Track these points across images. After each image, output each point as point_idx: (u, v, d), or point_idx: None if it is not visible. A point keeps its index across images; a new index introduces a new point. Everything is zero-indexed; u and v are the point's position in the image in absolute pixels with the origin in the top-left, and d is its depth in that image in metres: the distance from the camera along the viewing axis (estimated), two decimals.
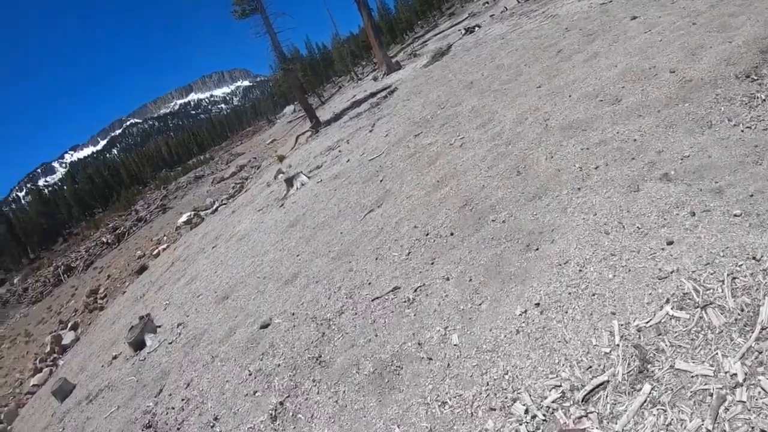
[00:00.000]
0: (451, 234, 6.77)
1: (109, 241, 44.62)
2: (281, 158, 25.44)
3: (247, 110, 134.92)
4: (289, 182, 15.46)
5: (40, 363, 19.75)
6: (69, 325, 23.35)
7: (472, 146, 9.53)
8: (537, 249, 5.36)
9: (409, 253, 6.92)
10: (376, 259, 7.34)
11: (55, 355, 20.05)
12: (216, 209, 27.22)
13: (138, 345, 10.22)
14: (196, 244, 18.77)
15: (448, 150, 10.09)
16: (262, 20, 26.80)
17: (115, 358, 10.93)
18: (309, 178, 15.31)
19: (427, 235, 7.11)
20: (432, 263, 6.37)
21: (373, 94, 25.74)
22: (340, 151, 16.91)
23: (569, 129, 7.76)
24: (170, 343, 9.40)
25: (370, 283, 6.79)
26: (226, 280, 10.97)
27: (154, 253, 26.63)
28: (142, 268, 23.23)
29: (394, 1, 79.23)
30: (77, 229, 71.45)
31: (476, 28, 27.37)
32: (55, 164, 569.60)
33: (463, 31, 28.56)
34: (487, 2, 42.65)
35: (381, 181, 10.70)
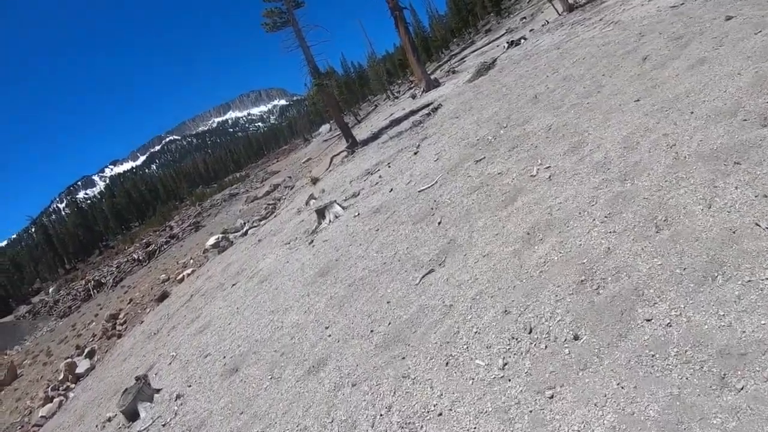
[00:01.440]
0: (575, 338, 4.07)
1: (141, 258, 43.91)
2: (314, 180, 23.10)
3: (284, 129, 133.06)
4: (321, 213, 12.90)
5: (52, 391, 17.97)
6: (85, 351, 21.68)
7: (566, 180, 6.84)
8: (742, 389, 2.99)
9: (505, 364, 4.22)
10: (447, 365, 4.64)
11: (68, 384, 18.17)
12: (246, 232, 25.08)
13: (131, 414, 8.76)
14: (217, 276, 16.71)
15: (530, 184, 7.41)
16: (294, 33, 24.50)
17: (109, 420, 9.57)
18: (344, 209, 12.73)
19: (531, 332, 4.41)
20: (550, 396, 3.67)
21: (413, 112, 23.15)
22: (380, 176, 14.28)
23: (715, 160, 5.23)
24: (164, 425, 7.55)
25: (440, 414, 4.11)
26: (238, 340, 8.86)
27: (179, 278, 24.84)
28: (163, 296, 21.66)
29: (428, 19, 76.78)
30: (113, 242, 70.75)
31: (522, 41, 24.58)
32: (95, 178, 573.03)
33: (507, 45, 25.73)
34: (525, 18, 39.87)
35: (439, 223, 8.02)
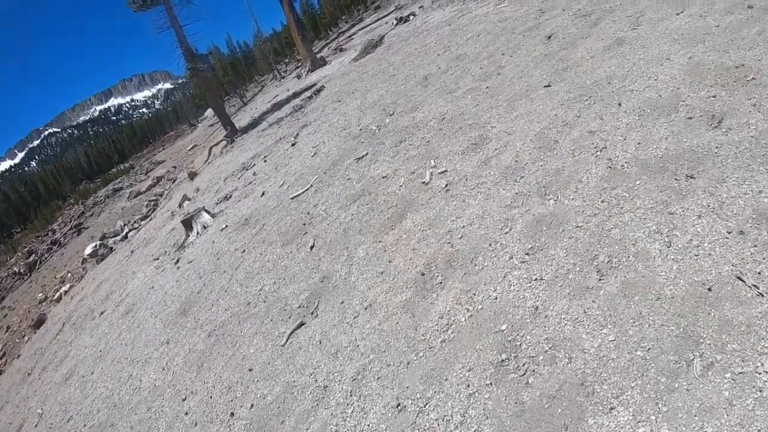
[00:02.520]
0: None
1: (21, 270, 39.31)
2: (192, 175, 20.79)
3: (169, 114, 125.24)
4: (188, 224, 10.90)
5: None
6: None
7: (468, 192, 5.30)
8: None
9: None
10: None
11: None
12: (126, 235, 22.88)
13: None
14: (89, 297, 14.64)
15: (422, 194, 5.81)
16: (165, 12, 21.66)
17: None
18: (213, 217, 10.77)
19: None
20: None
21: (296, 94, 21.09)
22: (254, 173, 12.34)
23: (662, 172, 3.98)
24: None
25: None
26: (99, 401, 7.31)
27: (56, 297, 22.37)
28: (40, 322, 19.32)
29: None
30: None
31: (411, 17, 22.86)
32: None
33: (395, 22, 23.97)
34: None
35: (312, 248, 6.31)
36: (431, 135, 7.18)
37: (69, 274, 25.43)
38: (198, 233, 10.58)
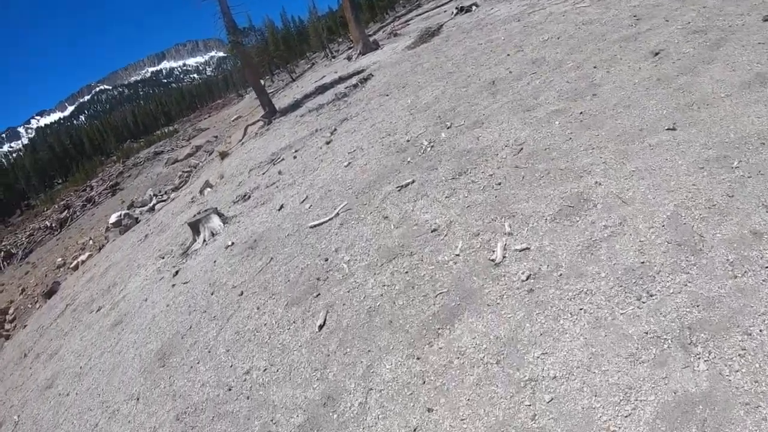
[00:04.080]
0: None
1: (53, 225, 39.04)
2: (223, 155, 19.29)
3: (219, 81, 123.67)
4: (196, 228, 9.22)
5: None
6: None
7: (565, 302, 3.34)
8: None
9: None
10: None
11: None
12: (152, 207, 21.86)
13: None
14: (95, 282, 13.56)
15: (488, 281, 3.86)
16: None
17: None
18: (224, 223, 9.04)
19: None
20: None
21: (342, 79, 19.20)
22: (280, 172, 10.54)
23: None
24: None
25: None
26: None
27: (73, 265, 21.50)
28: (51, 292, 18.44)
29: None
30: (35, 202, 64.44)
31: (473, 7, 20.55)
32: (21, 129, 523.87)
33: (455, 11, 21.71)
34: None
35: (321, 327, 4.46)
36: (504, 174, 5.22)
37: (91, 241, 24.96)
38: (204, 241, 8.89)
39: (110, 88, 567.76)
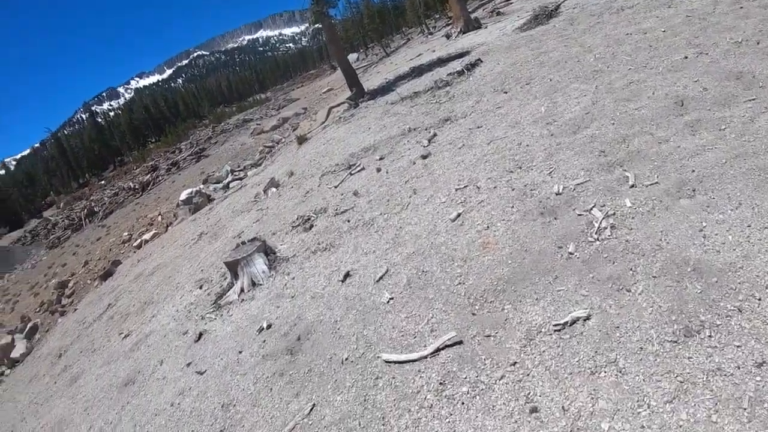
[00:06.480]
0: None
1: (136, 187, 39.08)
2: (301, 140, 16.67)
3: (314, 52, 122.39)
4: (234, 270, 6.59)
5: None
6: (27, 327, 17.74)
7: None
8: None
9: None
10: None
11: (4, 368, 14.52)
12: (227, 185, 20.71)
13: None
14: (139, 284, 11.98)
15: None
16: None
17: None
18: (268, 271, 6.34)
19: None
20: None
21: (442, 61, 16.10)
22: (356, 194, 7.72)
23: None
24: None
25: None
26: None
27: (136, 243, 20.74)
28: (108, 274, 17.08)
29: None
30: (128, 158, 65.81)
31: None
32: (121, 89, 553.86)
33: None
34: None
35: None
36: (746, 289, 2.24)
37: (160, 217, 23.87)
38: (242, 290, 6.30)
39: (208, 53, 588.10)
